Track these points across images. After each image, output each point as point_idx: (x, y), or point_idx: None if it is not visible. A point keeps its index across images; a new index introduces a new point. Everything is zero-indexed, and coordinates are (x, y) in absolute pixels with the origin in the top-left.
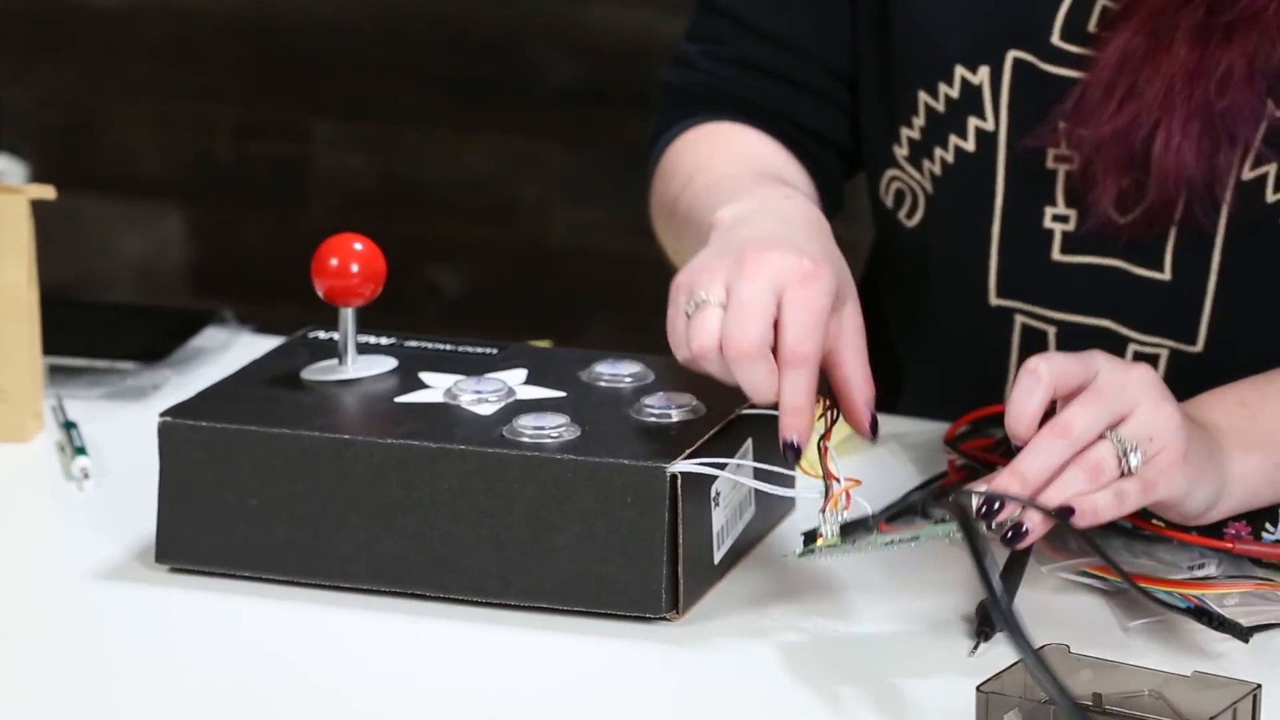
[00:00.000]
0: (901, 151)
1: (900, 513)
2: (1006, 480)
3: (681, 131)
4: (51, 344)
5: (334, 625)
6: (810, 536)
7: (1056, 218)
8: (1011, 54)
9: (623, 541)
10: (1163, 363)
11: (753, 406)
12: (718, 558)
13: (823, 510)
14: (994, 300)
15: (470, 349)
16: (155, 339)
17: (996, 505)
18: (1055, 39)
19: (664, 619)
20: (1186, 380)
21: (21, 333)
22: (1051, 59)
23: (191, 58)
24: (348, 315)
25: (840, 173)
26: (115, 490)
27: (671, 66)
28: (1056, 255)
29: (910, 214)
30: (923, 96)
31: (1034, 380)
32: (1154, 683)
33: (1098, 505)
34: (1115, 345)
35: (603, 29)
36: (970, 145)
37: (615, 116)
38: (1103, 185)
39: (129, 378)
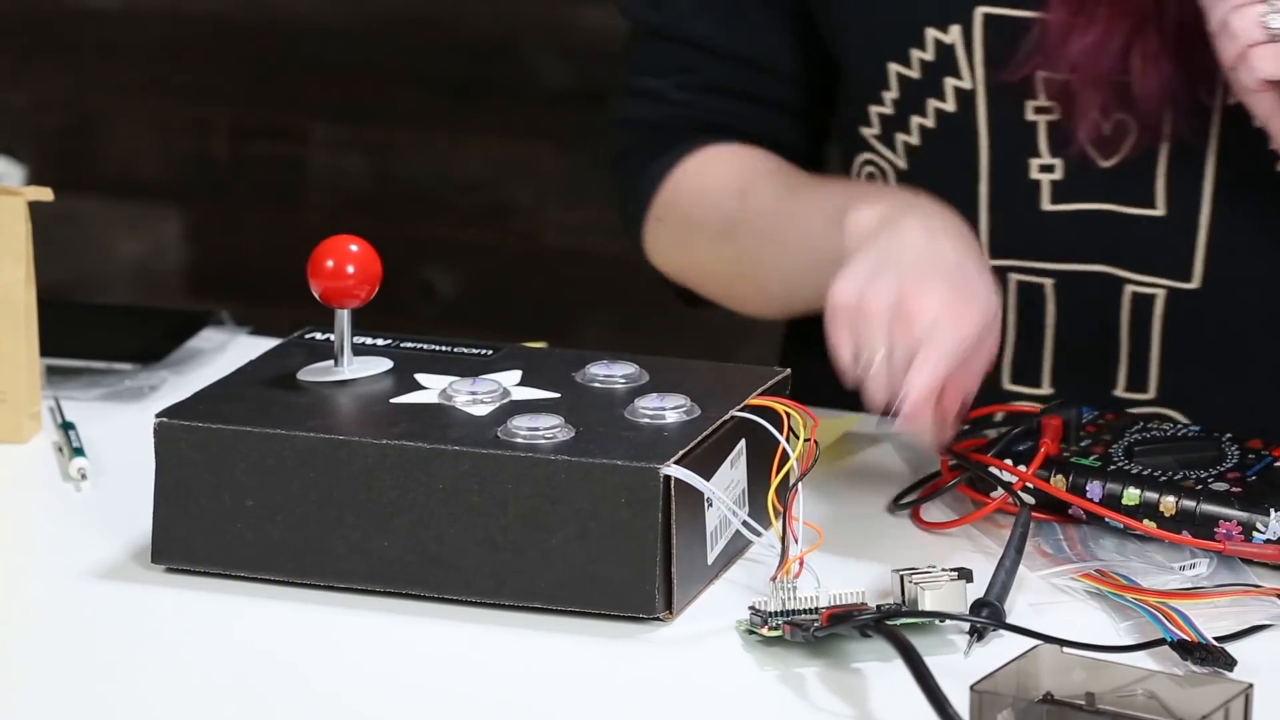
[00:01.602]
0: (872, 131)
1: (842, 619)
2: None
3: (678, 159)
4: (49, 345)
5: (329, 625)
6: (756, 613)
7: (1043, 168)
8: (980, 10)
9: (616, 542)
10: (1160, 302)
11: (746, 409)
12: (711, 558)
13: (773, 579)
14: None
15: (465, 350)
16: (152, 340)
17: None
18: None
19: (657, 619)
20: (1186, 319)
21: (19, 334)
22: (1020, 4)
23: (188, 59)
24: (343, 316)
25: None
26: (112, 491)
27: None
28: (1046, 205)
29: None
30: (893, 68)
31: None
32: (1146, 682)
33: None
34: (1112, 288)
35: (596, 31)
36: (950, 106)
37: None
38: (1080, 108)
39: (126, 379)
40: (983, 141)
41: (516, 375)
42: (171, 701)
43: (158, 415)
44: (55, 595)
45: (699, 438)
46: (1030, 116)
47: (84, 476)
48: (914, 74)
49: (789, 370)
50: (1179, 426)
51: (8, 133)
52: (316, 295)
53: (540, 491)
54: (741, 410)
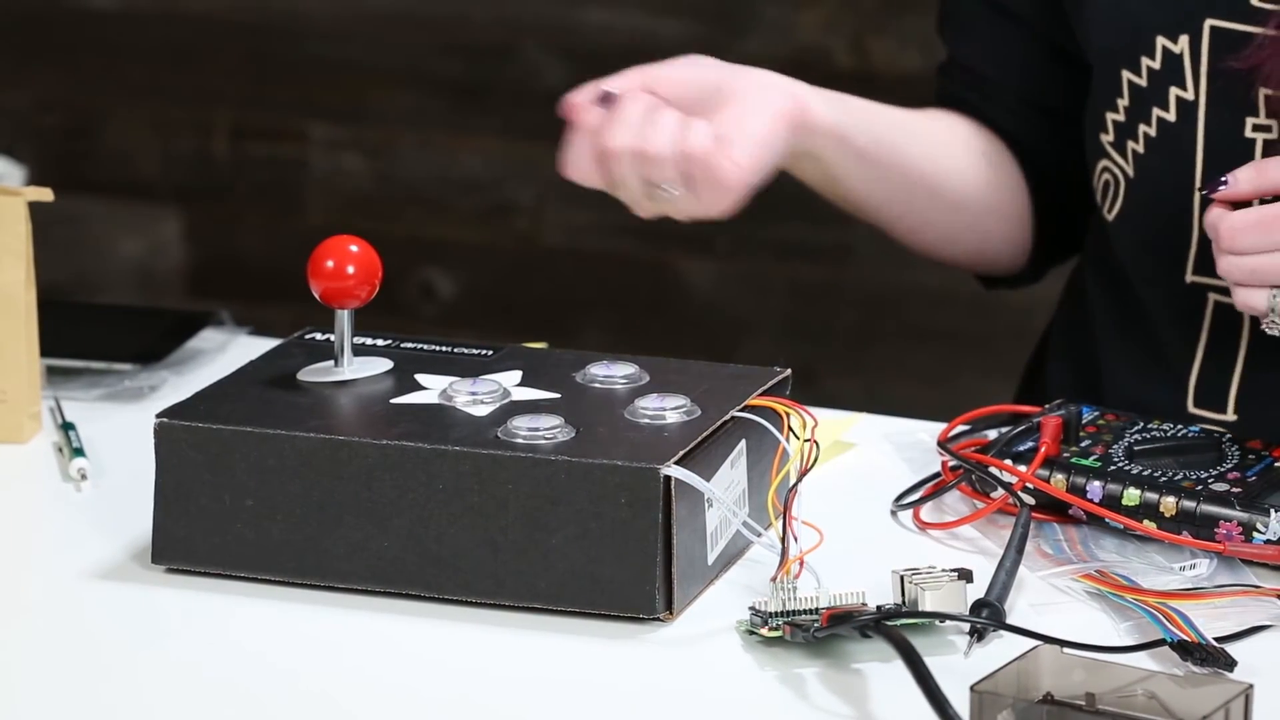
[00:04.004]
0: (1108, 138)
1: (842, 619)
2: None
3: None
4: (49, 345)
5: (329, 626)
6: (756, 613)
7: None
8: (1209, 22)
9: (617, 542)
10: None
11: (746, 409)
12: (711, 559)
13: (773, 579)
14: (1189, 278)
15: (465, 350)
16: (153, 340)
17: None
18: (1255, 0)
19: (658, 620)
20: None
21: (20, 334)
22: (1250, 20)
23: (188, 60)
24: (344, 317)
25: (1043, 175)
26: (112, 491)
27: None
28: None
29: (1110, 206)
30: (1125, 75)
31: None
32: (1146, 682)
33: None
34: None
35: (597, 32)
36: (1171, 115)
37: None
38: None
39: (126, 379)
40: (1199, 154)
41: (516, 375)
42: (171, 702)
43: (158, 415)
44: (55, 595)
45: (699, 438)
46: (1249, 133)
47: (84, 476)
48: (1142, 82)
49: (789, 370)
50: (1179, 427)
51: (8, 133)
52: (316, 295)
53: (540, 492)
54: (741, 410)
